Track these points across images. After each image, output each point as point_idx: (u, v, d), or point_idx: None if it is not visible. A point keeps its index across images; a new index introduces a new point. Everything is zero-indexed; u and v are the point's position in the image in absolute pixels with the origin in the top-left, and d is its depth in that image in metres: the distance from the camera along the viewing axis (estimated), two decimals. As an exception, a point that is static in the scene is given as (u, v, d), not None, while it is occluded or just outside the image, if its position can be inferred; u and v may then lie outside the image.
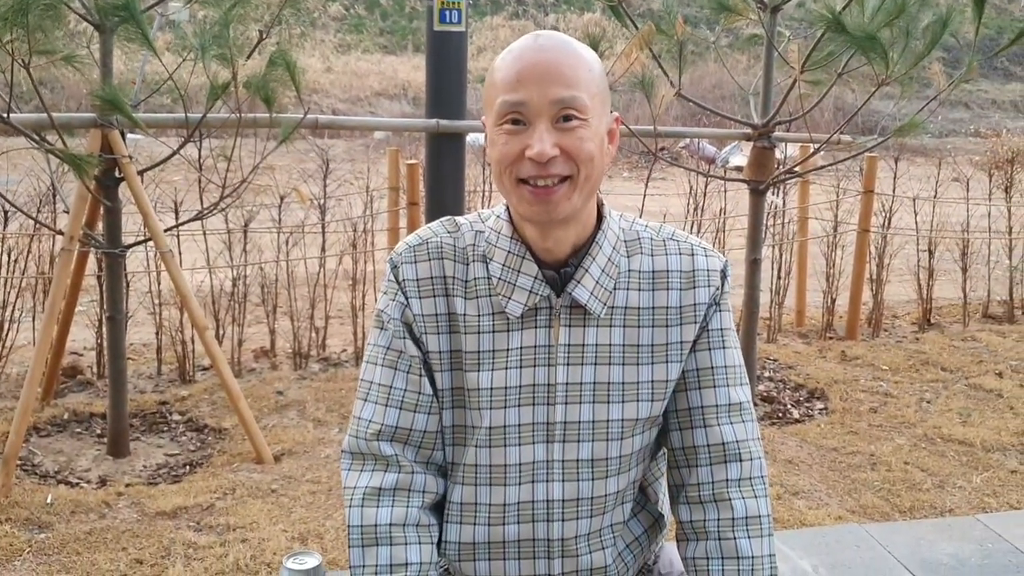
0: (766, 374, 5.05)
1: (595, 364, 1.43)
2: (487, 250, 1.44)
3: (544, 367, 1.42)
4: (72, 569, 2.97)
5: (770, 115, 4.19)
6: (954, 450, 4.10)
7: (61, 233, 3.75)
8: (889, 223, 6.02)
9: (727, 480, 1.45)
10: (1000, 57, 19.03)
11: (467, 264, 1.44)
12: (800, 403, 4.69)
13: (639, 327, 1.44)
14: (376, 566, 1.36)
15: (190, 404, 4.41)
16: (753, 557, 1.42)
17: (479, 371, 1.43)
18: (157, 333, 4.79)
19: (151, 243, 3.90)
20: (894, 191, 6.01)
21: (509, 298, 1.41)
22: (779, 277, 5.85)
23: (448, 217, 1.52)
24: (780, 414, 4.52)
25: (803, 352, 5.48)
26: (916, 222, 6.14)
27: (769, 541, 1.45)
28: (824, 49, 3.92)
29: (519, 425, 1.43)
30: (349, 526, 1.40)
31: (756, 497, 1.46)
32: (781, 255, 5.88)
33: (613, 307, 1.43)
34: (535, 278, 1.40)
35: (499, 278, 1.42)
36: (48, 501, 3.38)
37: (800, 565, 2.96)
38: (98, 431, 4.06)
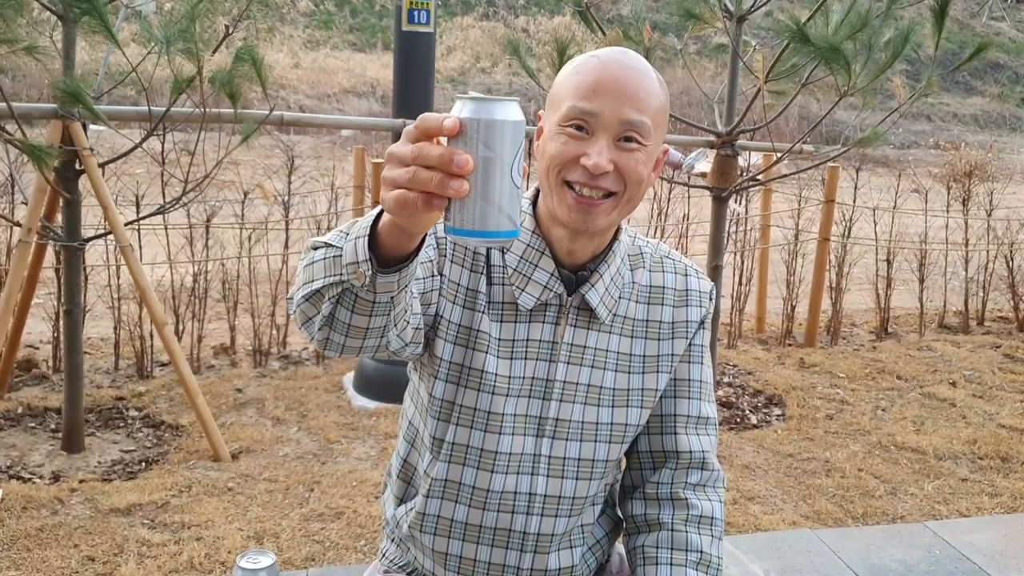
0: (725, 379, 5.09)
1: (592, 367, 1.47)
2: None
3: (545, 362, 1.45)
4: (23, 566, 2.93)
5: (734, 123, 4.23)
6: (907, 458, 4.16)
7: (19, 225, 3.70)
8: (849, 232, 6.10)
9: (686, 483, 1.51)
10: (961, 71, 19.35)
11: (490, 248, 1.47)
12: (758, 409, 4.74)
13: (633, 337, 1.49)
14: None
15: (147, 400, 4.36)
16: (702, 551, 1.45)
17: (487, 354, 1.44)
18: (115, 328, 4.73)
19: (111, 236, 3.86)
20: (855, 201, 6.10)
21: (523, 290, 1.44)
22: (740, 284, 5.91)
23: None
24: (738, 419, 4.56)
25: (762, 358, 5.54)
26: (876, 232, 6.23)
27: (720, 544, 1.49)
28: (788, 59, 3.96)
29: (514, 415, 1.45)
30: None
31: (711, 500, 1.51)
32: (743, 262, 5.94)
33: (615, 315, 1.48)
34: (551, 275, 1.43)
35: (515, 269, 1.44)
36: (-1, 496, 3.34)
37: (752, 569, 2.99)
38: (52, 426, 4.01)
